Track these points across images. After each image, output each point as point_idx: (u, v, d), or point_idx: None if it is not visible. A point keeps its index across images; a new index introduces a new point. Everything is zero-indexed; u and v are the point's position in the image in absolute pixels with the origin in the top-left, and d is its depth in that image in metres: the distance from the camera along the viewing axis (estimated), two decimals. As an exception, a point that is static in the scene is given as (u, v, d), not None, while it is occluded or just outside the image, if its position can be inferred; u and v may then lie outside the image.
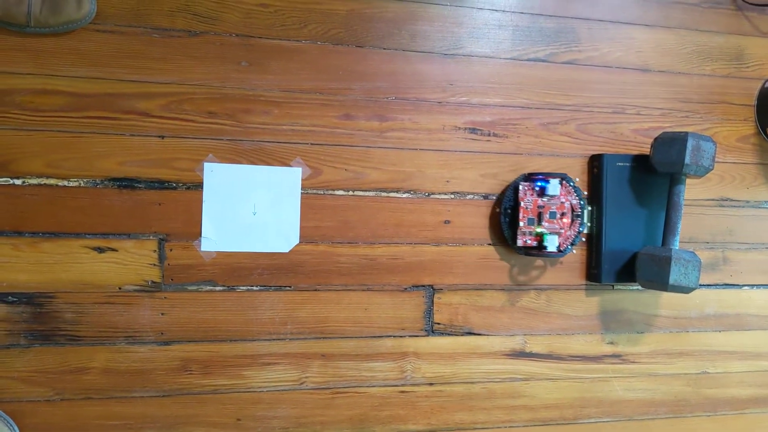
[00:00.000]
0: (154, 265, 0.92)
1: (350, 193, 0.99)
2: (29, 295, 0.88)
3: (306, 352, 0.97)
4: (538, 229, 0.99)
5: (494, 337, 1.04)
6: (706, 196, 1.12)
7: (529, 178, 1.00)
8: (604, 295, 1.08)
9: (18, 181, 0.88)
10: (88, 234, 0.90)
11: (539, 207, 0.99)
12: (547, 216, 0.99)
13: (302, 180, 0.97)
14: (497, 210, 1.03)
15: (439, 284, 1.02)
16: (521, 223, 0.99)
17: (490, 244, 1.03)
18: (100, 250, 0.90)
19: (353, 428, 0.99)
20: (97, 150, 0.90)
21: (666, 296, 1.11)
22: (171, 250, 0.92)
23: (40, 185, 0.88)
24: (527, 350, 1.05)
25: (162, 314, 0.92)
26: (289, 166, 0.96)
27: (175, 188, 0.92)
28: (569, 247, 1.00)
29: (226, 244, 0.94)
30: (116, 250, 0.91)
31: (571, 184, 1.00)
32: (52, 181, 0.89)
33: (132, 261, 0.91)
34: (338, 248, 0.98)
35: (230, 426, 0.95)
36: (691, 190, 1.11)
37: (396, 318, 1.01)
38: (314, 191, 0.97)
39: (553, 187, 0.98)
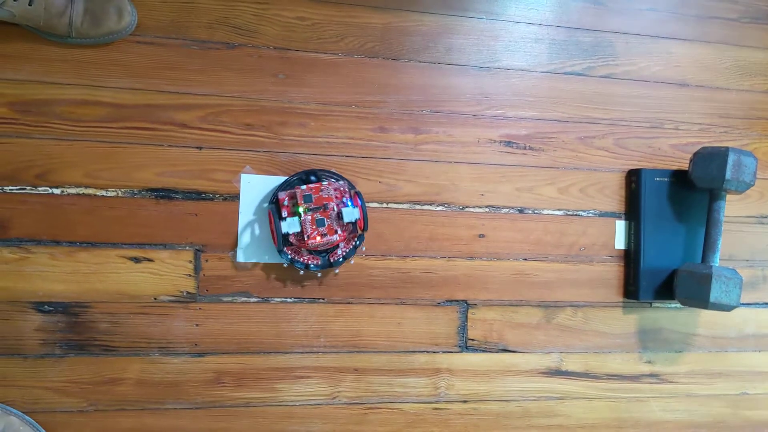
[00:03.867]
0: (190, 275, 0.92)
1: (384, 205, 0.98)
2: (65, 305, 0.88)
3: (339, 366, 0.96)
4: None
5: (530, 355, 1.02)
6: (746, 213, 1.10)
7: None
8: (642, 313, 1.06)
9: (57, 191, 0.88)
10: (125, 244, 0.90)
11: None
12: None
13: (337, 192, 0.96)
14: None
15: (474, 299, 1.00)
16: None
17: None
18: (136, 260, 0.90)
19: (386, 445, 0.98)
20: (136, 160, 0.90)
21: (704, 315, 1.08)
22: (207, 260, 0.92)
23: (78, 195, 0.89)
24: (563, 368, 1.03)
25: (196, 325, 0.92)
26: (325, 178, 0.96)
27: (212, 199, 0.92)
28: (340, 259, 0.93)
29: (261, 256, 0.94)
30: (152, 261, 0.91)
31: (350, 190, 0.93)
32: (90, 191, 0.89)
33: (168, 271, 0.91)
34: (371, 261, 0.97)
35: (262, 440, 0.94)
36: (730, 207, 1.09)
37: (429, 333, 0.99)
38: (349, 204, 0.96)
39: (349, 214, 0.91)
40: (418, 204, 0.99)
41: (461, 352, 1.00)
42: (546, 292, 1.03)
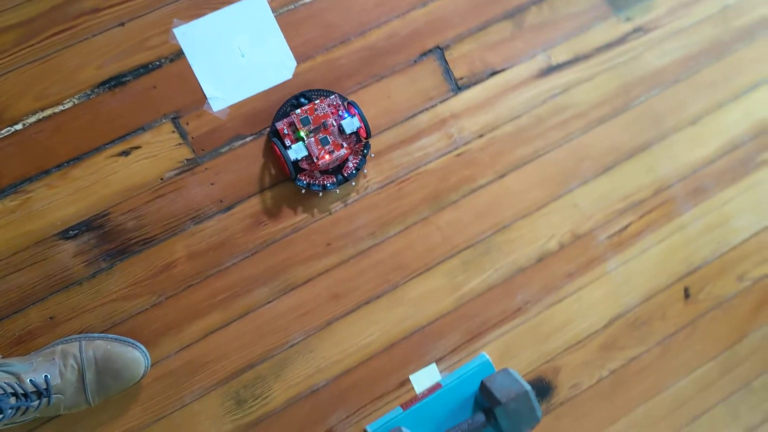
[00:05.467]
0: (180, 144, 0.92)
1: (319, -5, 0.96)
2: (86, 222, 0.90)
3: (355, 159, 0.98)
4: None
5: (518, 66, 1.03)
6: None
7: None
8: (600, -22, 1.06)
9: (18, 126, 0.87)
10: (106, 144, 0.90)
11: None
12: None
13: (269, 3, 0.94)
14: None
15: (444, 41, 1.00)
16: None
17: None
18: (126, 153, 0.91)
19: (431, 206, 1.01)
20: (72, 64, 0.89)
21: (658, -48, 1.08)
22: (187, 123, 0.92)
23: (39, 120, 0.88)
24: (554, 63, 1.04)
25: (212, 184, 0.93)
26: (251, -5, 0.94)
27: (160, 66, 0.91)
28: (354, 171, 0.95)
29: (233, 96, 0.94)
30: (139, 147, 0.91)
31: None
32: (48, 112, 0.88)
33: (159, 150, 0.92)
34: (335, 52, 0.97)
35: (324, 253, 0.97)
36: None
37: (419, 91, 1.00)
38: (285, 8, 0.95)
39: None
40: (349, -22, 0.97)
41: (456, 94, 1.01)
42: (505, 1, 1.02)
